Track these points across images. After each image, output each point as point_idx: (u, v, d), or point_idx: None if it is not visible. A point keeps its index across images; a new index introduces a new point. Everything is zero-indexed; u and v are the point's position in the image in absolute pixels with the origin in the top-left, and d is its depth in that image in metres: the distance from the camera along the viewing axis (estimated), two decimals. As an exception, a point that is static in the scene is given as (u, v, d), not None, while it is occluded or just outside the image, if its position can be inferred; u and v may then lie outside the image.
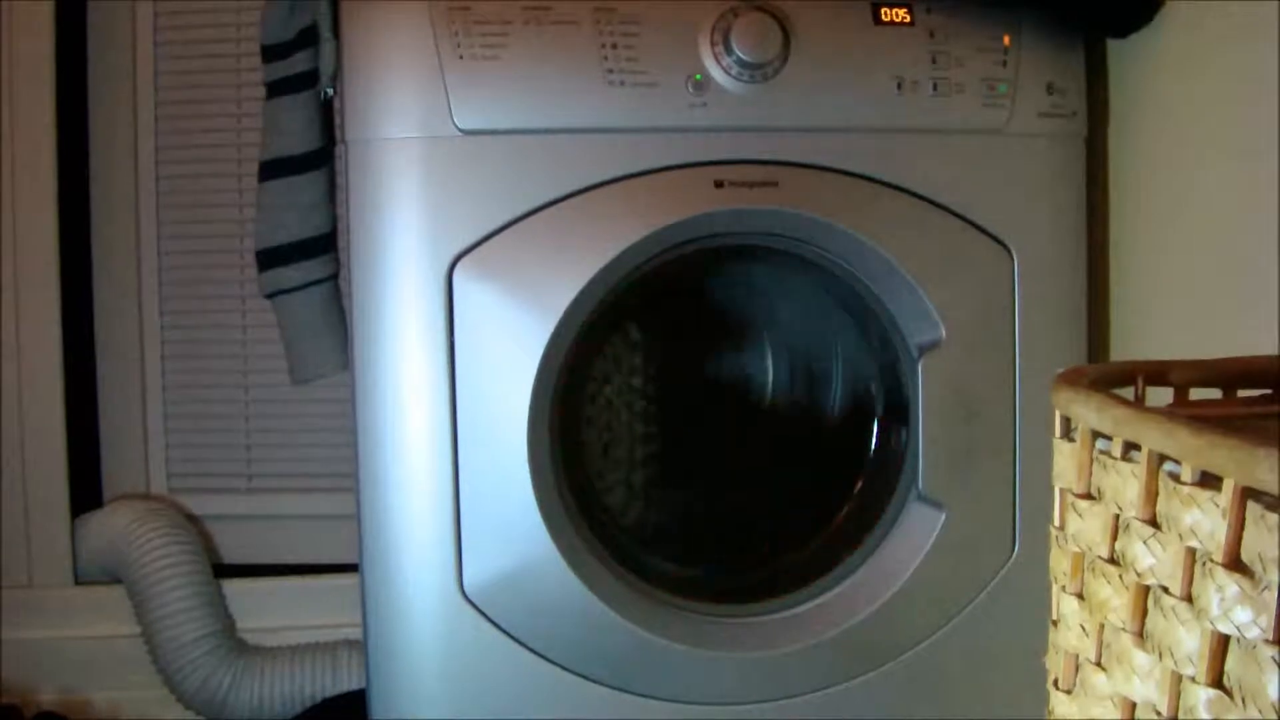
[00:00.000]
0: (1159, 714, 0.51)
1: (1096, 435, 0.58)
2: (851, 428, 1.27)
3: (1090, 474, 0.58)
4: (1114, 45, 1.19)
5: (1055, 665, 0.62)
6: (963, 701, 1.15)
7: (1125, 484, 0.54)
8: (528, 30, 1.05)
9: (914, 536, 1.13)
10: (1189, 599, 0.49)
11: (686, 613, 1.12)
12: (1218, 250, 1.06)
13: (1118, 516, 0.55)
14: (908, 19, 1.10)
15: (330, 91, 1.30)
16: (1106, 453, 0.56)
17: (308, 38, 1.31)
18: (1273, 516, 0.44)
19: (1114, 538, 0.56)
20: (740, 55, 1.06)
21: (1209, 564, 0.48)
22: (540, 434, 1.06)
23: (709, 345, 1.39)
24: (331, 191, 1.35)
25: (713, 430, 1.37)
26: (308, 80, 1.32)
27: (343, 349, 1.36)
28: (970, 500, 1.13)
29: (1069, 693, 0.60)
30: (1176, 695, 0.50)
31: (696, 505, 1.33)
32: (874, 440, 1.23)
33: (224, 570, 1.56)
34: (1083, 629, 0.59)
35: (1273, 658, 0.44)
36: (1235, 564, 0.46)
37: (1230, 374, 0.68)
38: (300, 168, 1.33)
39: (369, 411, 1.06)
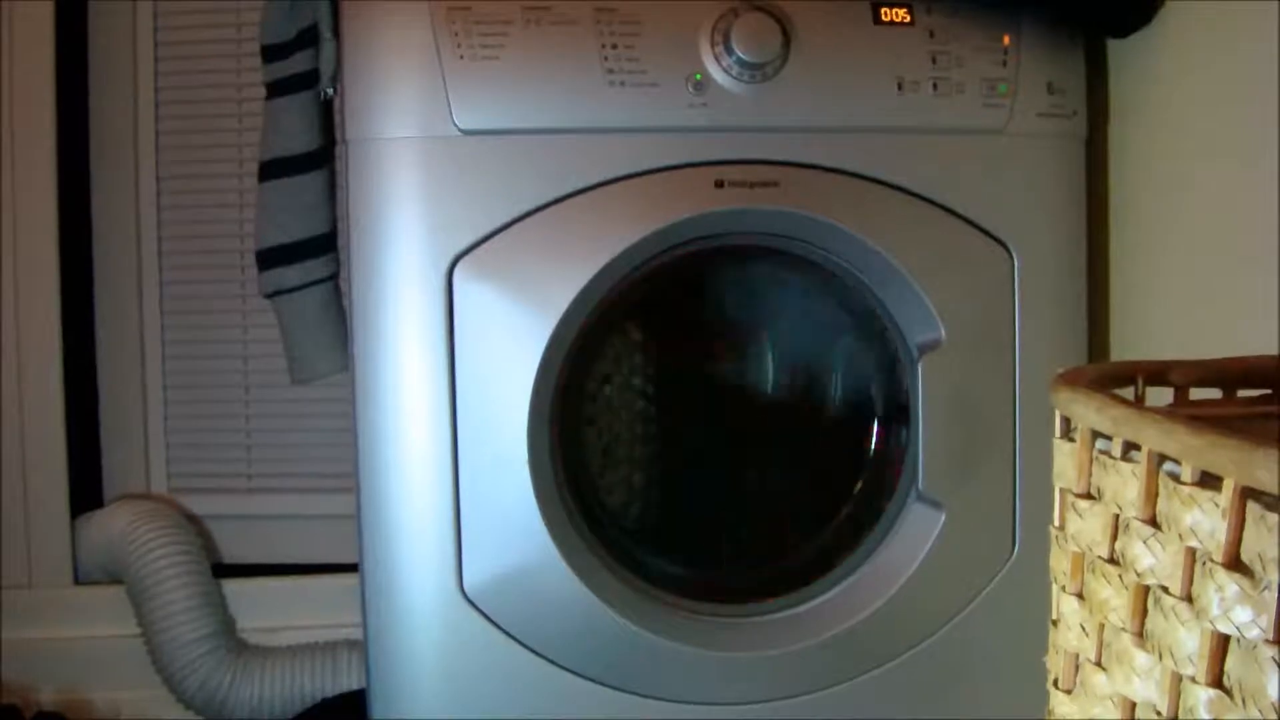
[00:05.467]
0: (1159, 714, 0.51)
1: (1096, 435, 0.58)
2: (851, 428, 1.27)
3: (1090, 474, 0.58)
4: (1114, 45, 1.19)
5: (1055, 665, 0.62)
6: (963, 701, 1.15)
7: (1125, 484, 0.54)
8: (528, 30, 1.05)
9: (914, 536, 1.13)
10: (1189, 599, 0.49)
11: (686, 613, 1.12)
12: (1218, 250, 1.06)
13: (1118, 516, 0.55)
14: (908, 19, 1.10)
15: (330, 91, 1.30)
16: (1106, 453, 0.56)
17: (308, 38, 1.31)
18: (1273, 516, 0.44)
19: (1114, 538, 0.56)
20: (740, 55, 1.06)
21: (1209, 564, 0.48)
22: (540, 434, 1.06)
23: (709, 345, 1.39)
24: (331, 191, 1.35)
25: (713, 430, 1.37)
26: (308, 80, 1.32)
27: (343, 349, 1.36)
28: (970, 500, 1.13)
29: (1069, 693, 0.60)
30: (1176, 695, 0.50)
31: (696, 505, 1.33)
32: (874, 440, 1.23)
33: (224, 570, 1.56)
34: (1083, 629, 0.58)
35: (1273, 658, 0.44)
36: (1235, 564, 0.46)
37: (1230, 374, 0.68)
38: (300, 168, 1.32)
39: (369, 411, 1.06)
